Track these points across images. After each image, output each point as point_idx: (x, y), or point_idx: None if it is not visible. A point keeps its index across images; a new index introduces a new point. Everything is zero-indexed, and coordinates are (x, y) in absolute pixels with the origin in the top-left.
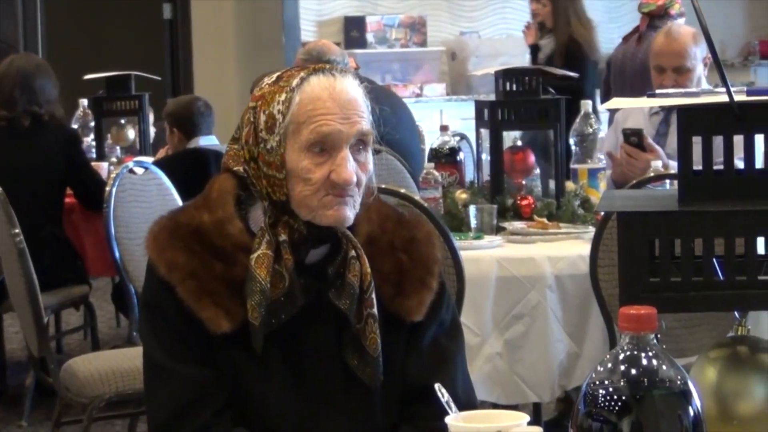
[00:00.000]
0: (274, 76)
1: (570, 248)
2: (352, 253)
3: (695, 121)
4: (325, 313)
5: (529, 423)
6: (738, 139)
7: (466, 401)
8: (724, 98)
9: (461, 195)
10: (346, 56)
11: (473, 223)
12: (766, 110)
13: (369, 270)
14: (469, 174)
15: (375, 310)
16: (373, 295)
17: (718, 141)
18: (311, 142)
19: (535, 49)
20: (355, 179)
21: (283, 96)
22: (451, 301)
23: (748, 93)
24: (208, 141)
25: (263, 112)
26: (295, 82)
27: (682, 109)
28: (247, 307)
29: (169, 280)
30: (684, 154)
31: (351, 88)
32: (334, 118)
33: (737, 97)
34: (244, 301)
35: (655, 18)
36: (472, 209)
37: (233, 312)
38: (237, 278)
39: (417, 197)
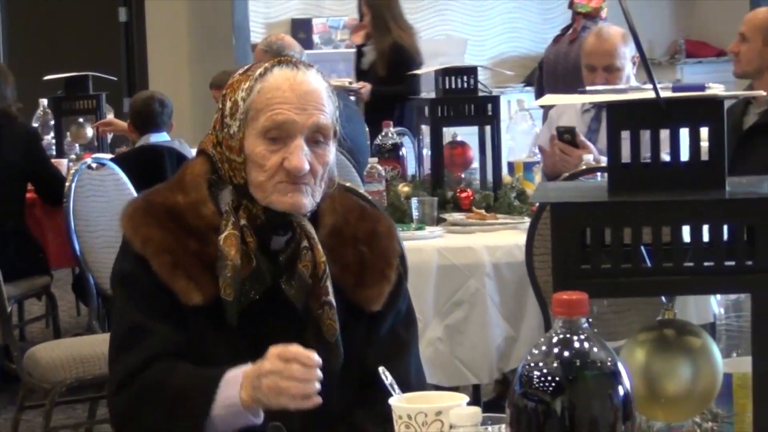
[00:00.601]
0: (245, 67)
1: (507, 238)
2: (305, 243)
3: (624, 116)
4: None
5: (468, 404)
6: (664, 134)
7: (419, 386)
8: (651, 95)
9: (403, 188)
10: (304, 52)
11: (415, 214)
12: (690, 106)
13: (323, 259)
14: (411, 168)
15: (331, 298)
16: (329, 284)
17: (645, 135)
18: (266, 128)
19: (360, 52)
20: (307, 167)
21: (247, 84)
22: (407, 292)
23: (674, 90)
24: (159, 138)
25: (230, 99)
26: (259, 71)
27: (611, 105)
28: (219, 284)
29: (143, 254)
30: (613, 148)
31: (313, 81)
32: (290, 108)
33: (663, 94)
34: (216, 277)
35: (588, 19)
36: (413, 201)
37: (205, 286)
38: (209, 256)
39: (362, 190)
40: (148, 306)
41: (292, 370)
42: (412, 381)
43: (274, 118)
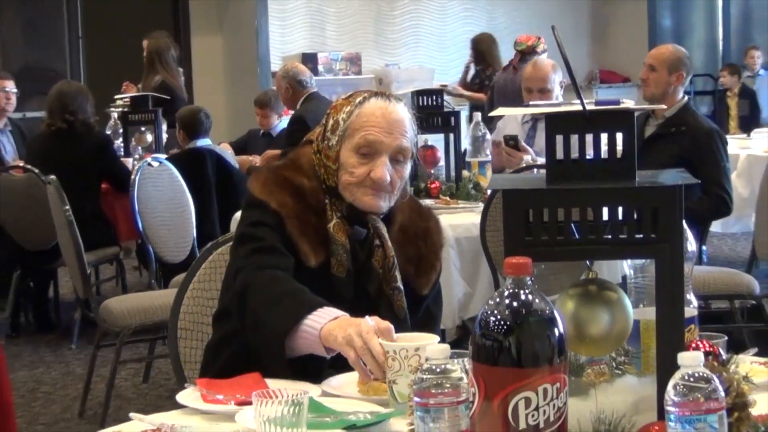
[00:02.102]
0: (349, 93)
1: (466, 218)
2: (377, 242)
3: (558, 124)
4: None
5: (439, 342)
6: (589, 137)
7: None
8: (579, 108)
9: None
10: (312, 78)
11: None
12: (609, 116)
13: (392, 254)
14: None
15: (400, 285)
16: (397, 273)
17: (575, 138)
18: (360, 145)
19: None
20: (388, 179)
21: (348, 108)
22: (439, 274)
23: (597, 104)
24: (203, 142)
25: (332, 118)
26: (359, 99)
27: (549, 116)
28: (332, 262)
29: (280, 212)
30: (550, 148)
31: (401, 111)
32: (380, 131)
33: (588, 107)
34: (325, 251)
35: (525, 54)
36: None
37: (318, 255)
38: (323, 232)
39: None
40: (283, 244)
41: (372, 346)
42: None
43: (366, 137)
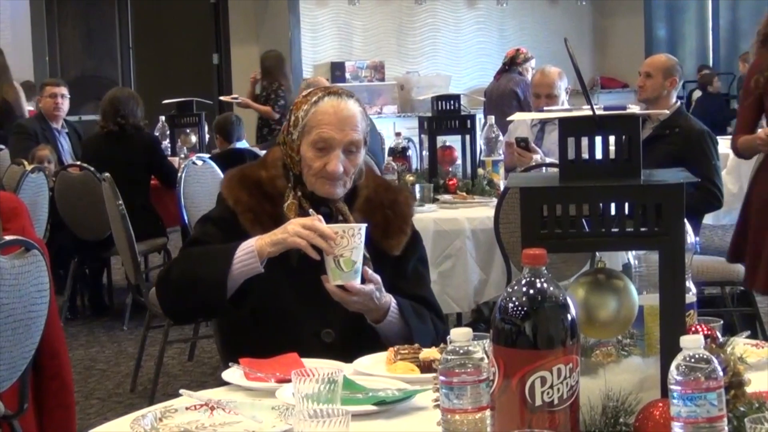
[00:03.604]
0: (308, 91)
1: (481, 212)
2: (339, 218)
3: (570, 127)
4: None
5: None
6: (598, 139)
7: (435, 301)
8: (589, 112)
9: (410, 178)
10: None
11: (418, 195)
12: (616, 120)
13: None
14: (415, 164)
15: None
16: None
17: (585, 140)
18: (315, 141)
19: None
20: (341, 170)
21: (306, 106)
22: (422, 244)
23: (605, 109)
24: (241, 144)
25: (293, 114)
26: (314, 98)
27: (561, 120)
28: None
29: (233, 209)
30: (563, 149)
31: (352, 107)
32: (333, 129)
33: (597, 111)
34: None
35: (507, 65)
36: (417, 187)
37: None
38: (280, 217)
39: None
40: (216, 238)
41: (321, 229)
42: (432, 299)
43: (321, 134)
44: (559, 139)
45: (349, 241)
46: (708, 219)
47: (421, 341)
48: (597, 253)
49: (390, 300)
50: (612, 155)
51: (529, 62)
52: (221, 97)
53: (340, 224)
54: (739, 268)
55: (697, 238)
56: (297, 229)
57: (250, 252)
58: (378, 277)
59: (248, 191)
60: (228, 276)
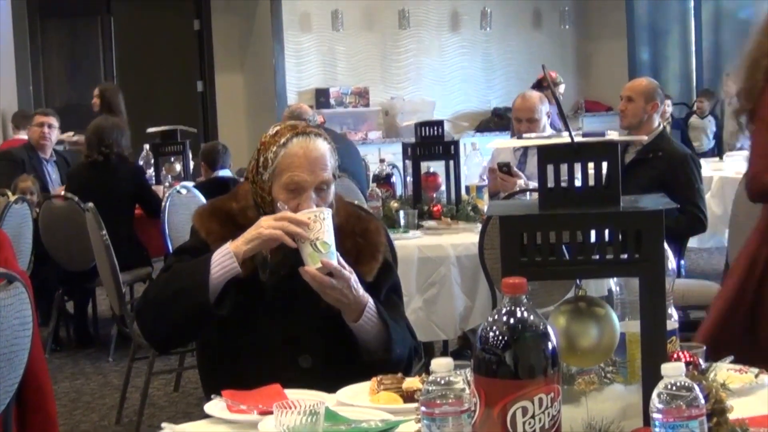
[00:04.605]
0: (275, 129)
1: (465, 238)
2: None
3: (549, 154)
4: None
5: (442, 354)
6: (577, 166)
7: (410, 328)
8: (568, 140)
9: (394, 204)
10: (315, 115)
11: (402, 222)
12: (594, 147)
13: None
14: (399, 190)
15: None
16: None
17: (564, 167)
18: (287, 184)
19: None
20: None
21: (274, 148)
22: (396, 272)
23: (584, 135)
24: (225, 173)
25: (262, 155)
26: (283, 140)
27: (540, 147)
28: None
29: (206, 240)
30: (542, 176)
31: (321, 147)
32: (304, 171)
33: (576, 139)
34: (253, 261)
35: (534, 87)
36: (401, 213)
37: (246, 267)
38: None
39: (366, 206)
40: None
41: (294, 217)
42: (408, 325)
43: (292, 178)
44: (538, 166)
45: (321, 225)
46: (693, 242)
47: (398, 345)
48: (578, 281)
49: (367, 298)
50: (592, 182)
51: (558, 87)
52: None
53: (307, 210)
54: None
55: (682, 261)
56: (269, 222)
57: (226, 254)
58: (352, 271)
59: (220, 222)
60: (209, 279)
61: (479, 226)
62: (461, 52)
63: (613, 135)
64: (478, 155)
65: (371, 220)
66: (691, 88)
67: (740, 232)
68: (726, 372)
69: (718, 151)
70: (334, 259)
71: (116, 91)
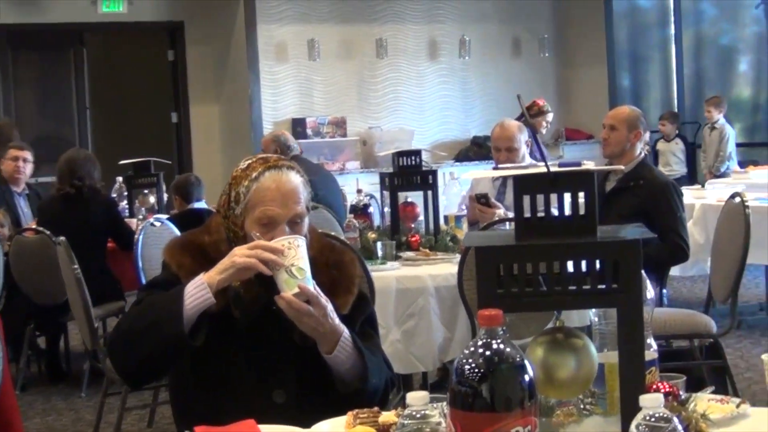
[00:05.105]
0: (246, 163)
1: (444, 269)
2: None
3: (526, 184)
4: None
5: (422, 387)
6: (553, 196)
7: (387, 360)
8: (544, 169)
9: (371, 235)
10: (296, 142)
11: (380, 253)
12: (571, 177)
13: None
14: (377, 221)
15: None
16: None
17: (540, 198)
18: (260, 218)
19: None
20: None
21: (246, 182)
22: (371, 304)
23: (560, 165)
24: (200, 205)
25: (234, 189)
26: (254, 174)
27: (516, 177)
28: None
29: (177, 273)
30: (518, 207)
31: (293, 180)
32: (277, 205)
33: (552, 169)
34: (225, 295)
35: (521, 116)
36: (378, 244)
37: (218, 301)
38: None
39: (343, 237)
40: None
41: (268, 245)
42: (384, 357)
43: (265, 212)
44: (514, 197)
45: (296, 251)
46: (675, 270)
47: (374, 375)
48: (556, 312)
49: (343, 328)
50: (568, 212)
51: (545, 116)
52: None
53: (280, 238)
54: (708, 320)
55: (665, 290)
56: (243, 251)
57: (200, 285)
58: (328, 299)
59: (191, 256)
60: (183, 309)
61: (458, 256)
62: (440, 81)
63: (589, 165)
64: (457, 185)
65: (346, 252)
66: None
67: (722, 259)
68: (707, 402)
69: (691, 176)
70: (311, 284)
71: (11, 126)
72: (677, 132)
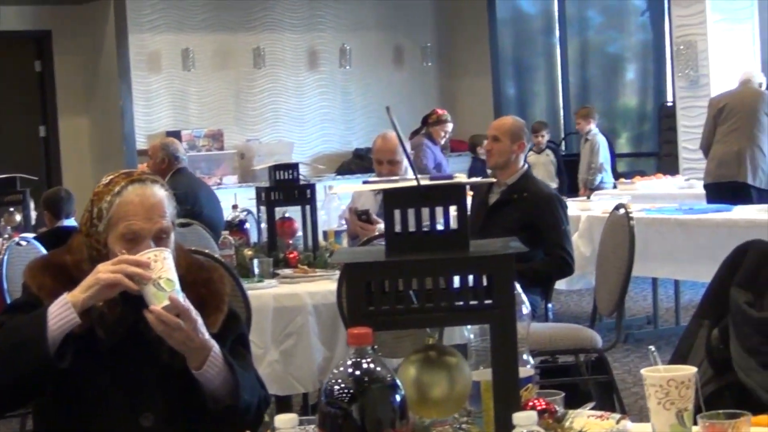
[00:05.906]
0: (108, 178)
1: (323, 286)
2: None
3: (395, 198)
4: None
5: (302, 409)
6: (425, 210)
7: (258, 378)
8: (414, 183)
9: (248, 252)
10: (185, 155)
11: (256, 270)
12: (442, 190)
13: None
14: (254, 237)
15: None
16: None
17: (411, 212)
18: (123, 234)
19: None
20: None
21: (109, 197)
22: (242, 324)
23: (431, 179)
24: (70, 222)
25: (96, 205)
26: (117, 188)
27: (386, 191)
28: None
29: (38, 295)
30: (388, 221)
31: (158, 193)
32: (140, 219)
33: (423, 182)
34: (89, 315)
35: (422, 124)
36: (255, 261)
37: (82, 321)
38: None
39: (217, 255)
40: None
41: (133, 260)
42: (257, 375)
43: (129, 227)
44: (384, 211)
45: (163, 263)
46: (561, 284)
47: (246, 391)
48: (429, 330)
49: (213, 343)
50: (440, 226)
51: (444, 125)
52: None
53: (146, 251)
54: (593, 335)
55: (550, 305)
56: (107, 267)
57: (64, 305)
58: (198, 313)
59: (52, 276)
60: (47, 331)
61: (338, 273)
62: (320, 92)
63: (461, 177)
64: (336, 199)
65: (215, 269)
66: (558, 125)
67: (607, 272)
68: (586, 419)
69: (569, 188)
70: (181, 296)
71: None
72: (548, 143)
